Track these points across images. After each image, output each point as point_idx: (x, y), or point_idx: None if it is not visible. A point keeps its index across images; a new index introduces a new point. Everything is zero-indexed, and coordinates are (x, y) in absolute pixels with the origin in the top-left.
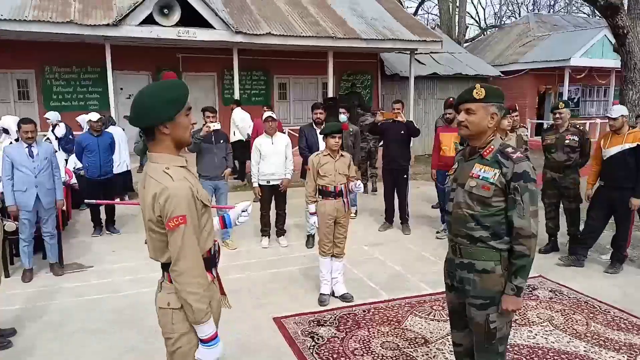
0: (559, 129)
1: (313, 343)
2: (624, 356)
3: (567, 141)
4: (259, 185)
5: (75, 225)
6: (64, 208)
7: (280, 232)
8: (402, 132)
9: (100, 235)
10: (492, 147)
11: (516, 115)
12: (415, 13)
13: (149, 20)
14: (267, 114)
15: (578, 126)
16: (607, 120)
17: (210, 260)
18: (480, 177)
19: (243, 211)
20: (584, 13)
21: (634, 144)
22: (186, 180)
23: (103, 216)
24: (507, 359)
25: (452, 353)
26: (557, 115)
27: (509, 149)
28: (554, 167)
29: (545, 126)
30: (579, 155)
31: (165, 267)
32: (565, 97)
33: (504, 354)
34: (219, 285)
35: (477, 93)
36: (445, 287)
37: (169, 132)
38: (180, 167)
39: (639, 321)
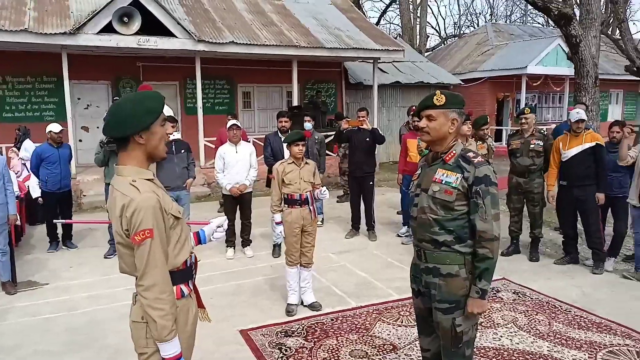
0: (524, 133)
1: (281, 354)
2: (585, 354)
3: (532, 146)
4: (223, 194)
5: (30, 241)
6: (18, 223)
7: (246, 242)
8: (367, 139)
9: (57, 250)
10: (454, 152)
11: (487, 128)
12: (378, 23)
13: (108, 29)
14: (231, 122)
15: (543, 131)
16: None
17: (186, 273)
18: (443, 182)
19: (218, 227)
20: (539, 23)
21: (593, 143)
22: (154, 193)
23: (60, 231)
24: None
25: (420, 358)
26: (523, 121)
27: (470, 154)
28: (519, 171)
29: (506, 132)
30: (543, 159)
31: None
32: (522, 104)
33: (471, 357)
34: (196, 297)
35: (437, 99)
36: (412, 292)
37: (144, 141)
38: (147, 179)
39: (598, 319)
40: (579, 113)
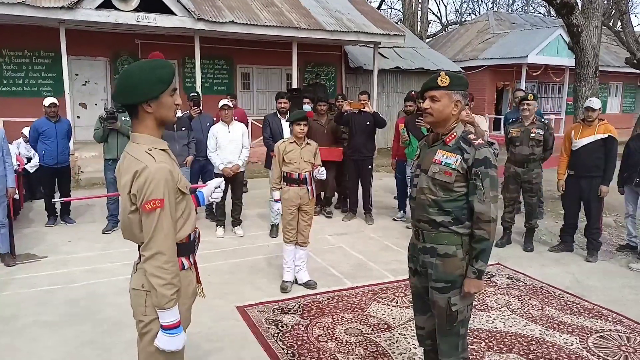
0: (524, 122)
1: (277, 331)
2: (576, 338)
3: (532, 134)
4: (215, 174)
5: (29, 215)
6: (16, 196)
7: (236, 222)
8: (368, 122)
9: (55, 225)
10: (455, 133)
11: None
12: (379, 7)
13: (106, 4)
14: (222, 102)
15: (543, 120)
16: (557, 114)
17: (189, 246)
18: (443, 163)
19: (216, 188)
20: (540, 13)
21: (605, 135)
22: (167, 164)
23: (58, 206)
24: (467, 342)
25: (415, 337)
26: (525, 107)
27: (471, 136)
28: (518, 160)
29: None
30: (542, 149)
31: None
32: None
33: (465, 336)
34: (195, 272)
35: (441, 80)
36: (409, 271)
37: (152, 110)
38: (162, 150)
39: (590, 305)
40: (593, 102)
